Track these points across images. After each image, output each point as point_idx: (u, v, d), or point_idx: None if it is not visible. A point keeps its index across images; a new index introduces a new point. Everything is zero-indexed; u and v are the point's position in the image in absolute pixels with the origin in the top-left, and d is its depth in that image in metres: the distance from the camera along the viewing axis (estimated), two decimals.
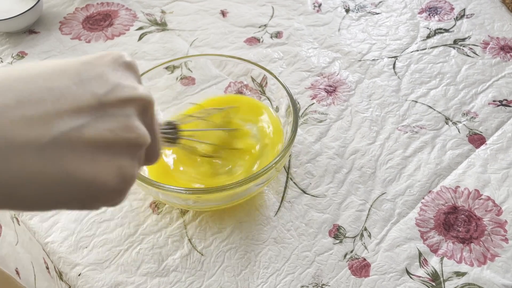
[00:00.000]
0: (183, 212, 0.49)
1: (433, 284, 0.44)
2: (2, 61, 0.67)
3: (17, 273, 0.63)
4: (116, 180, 0.23)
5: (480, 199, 0.50)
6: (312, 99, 0.60)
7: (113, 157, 0.22)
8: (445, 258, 0.45)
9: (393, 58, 0.65)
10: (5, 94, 0.20)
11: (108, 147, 0.22)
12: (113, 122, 0.22)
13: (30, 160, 0.19)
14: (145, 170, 0.48)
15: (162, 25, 0.71)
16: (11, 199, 0.20)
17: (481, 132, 0.56)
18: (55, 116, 0.20)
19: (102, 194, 0.22)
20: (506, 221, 0.48)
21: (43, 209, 0.22)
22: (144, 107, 0.24)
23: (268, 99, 0.54)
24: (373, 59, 0.65)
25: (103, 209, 0.49)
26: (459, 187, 0.51)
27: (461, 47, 0.66)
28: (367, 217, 0.49)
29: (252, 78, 0.54)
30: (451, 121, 0.57)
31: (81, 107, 0.21)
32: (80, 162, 0.21)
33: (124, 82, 0.23)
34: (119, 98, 0.23)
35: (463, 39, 0.67)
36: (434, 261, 0.45)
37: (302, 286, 0.44)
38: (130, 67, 0.25)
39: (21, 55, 0.67)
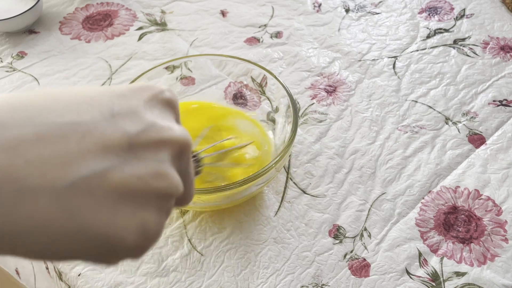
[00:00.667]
0: (183, 212, 0.49)
1: (433, 284, 0.44)
2: (2, 61, 0.67)
3: (17, 273, 0.63)
4: (137, 237, 0.19)
5: (480, 199, 0.50)
6: (312, 99, 0.60)
7: (137, 208, 0.19)
8: (445, 258, 0.45)
9: (393, 58, 0.65)
10: (24, 127, 0.17)
11: (133, 197, 0.19)
12: (143, 168, 0.19)
13: (42, 206, 0.17)
14: None
15: (162, 25, 0.71)
16: (17, 247, 0.17)
17: (481, 132, 0.56)
18: (77, 157, 0.18)
19: (119, 250, 0.19)
20: (506, 221, 0.48)
21: (53, 260, 0.19)
22: (180, 151, 0.21)
23: (268, 99, 0.54)
24: (373, 59, 0.65)
25: None
26: (459, 187, 0.51)
27: (461, 47, 0.66)
28: (367, 217, 0.49)
29: (252, 78, 0.54)
30: (451, 121, 0.57)
31: (108, 146, 0.18)
32: (97, 212, 0.18)
33: (160, 122, 0.21)
34: (152, 140, 0.20)
35: (463, 39, 0.67)
36: (434, 261, 0.45)
37: (302, 286, 0.44)
38: (169, 104, 0.22)
39: (21, 55, 0.67)
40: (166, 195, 0.21)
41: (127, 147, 0.19)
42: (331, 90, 0.61)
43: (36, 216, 0.17)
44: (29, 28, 0.71)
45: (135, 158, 0.19)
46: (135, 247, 0.20)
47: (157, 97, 0.22)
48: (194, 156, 0.34)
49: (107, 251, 0.19)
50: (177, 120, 0.23)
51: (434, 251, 0.46)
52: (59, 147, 0.17)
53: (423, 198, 0.50)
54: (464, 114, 0.58)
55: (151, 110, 0.21)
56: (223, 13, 0.73)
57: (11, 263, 0.63)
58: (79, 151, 0.18)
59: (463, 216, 0.48)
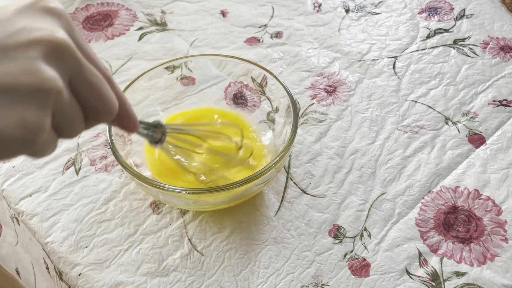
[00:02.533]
0: (183, 212, 0.49)
1: (433, 284, 0.44)
2: None
3: (17, 273, 0.63)
4: (16, 130, 0.21)
5: (480, 199, 0.50)
6: (312, 99, 0.60)
7: (13, 103, 0.20)
8: (445, 258, 0.45)
9: (393, 58, 0.65)
10: None
11: (7, 93, 0.20)
12: (13, 65, 0.20)
13: None
14: (147, 171, 0.49)
15: (162, 25, 0.71)
16: None
17: (481, 132, 0.56)
18: None
19: (3, 143, 0.21)
20: (506, 221, 0.48)
21: None
22: (56, 50, 0.22)
23: (268, 99, 0.54)
24: (373, 59, 0.65)
25: (103, 209, 0.49)
26: (459, 187, 0.51)
27: (461, 47, 0.66)
28: (367, 217, 0.49)
29: (252, 78, 0.54)
30: (451, 121, 0.57)
31: None
32: None
33: (33, 24, 0.22)
34: (22, 41, 0.21)
35: (463, 39, 0.67)
36: (434, 261, 0.45)
37: (302, 286, 0.44)
38: (51, 12, 0.23)
39: None
40: (42, 90, 0.21)
41: None
42: (331, 90, 0.61)
43: None
44: None
45: (5, 58, 0.20)
46: (16, 139, 0.21)
47: (35, 5, 0.23)
48: (158, 125, 0.37)
49: None
50: (65, 28, 0.24)
51: (434, 251, 0.46)
52: None
53: (423, 198, 0.50)
54: (464, 114, 0.58)
55: (26, 16, 0.22)
56: (223, 13, 0.73)
57: (11, 263, 0.63)
58: None
59: (463, 216, 0.48)
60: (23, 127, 0.21)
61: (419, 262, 0.45)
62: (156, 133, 0.36)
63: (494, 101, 0.59)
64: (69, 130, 0.24)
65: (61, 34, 0.22)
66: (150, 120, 0.39)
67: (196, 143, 0.48)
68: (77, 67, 0.23)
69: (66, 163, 0.54)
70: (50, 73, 0.21)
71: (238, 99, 0.57)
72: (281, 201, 0.50)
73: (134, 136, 0.51)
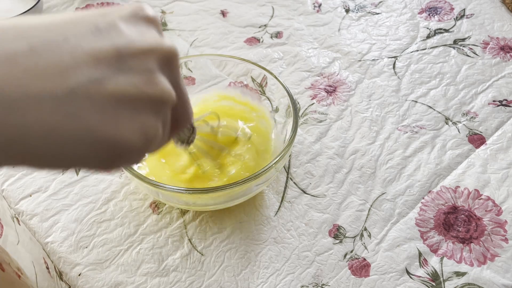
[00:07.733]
0: (183, 212, 0.49)
1: (433, 284, 0.44)
2: None
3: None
4: (140, 139, 0.21)
5: (480, 199, 0.50)
6: (312, 99, 0.60)
7: (136, 114, 0.21)
8: (445, 258, 0.45)
9: (393, 58, 0.65)
10: (16, 41, 0.18)
11: (131, 103, 0.20)
12: (135, 76, 0.20)
13: (46, 113, 0.18)
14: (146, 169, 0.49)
15: (162, 25, 0.71)
16: (27, 153, 0.18)
17: (481, 132, 0.56)
18: (72, 67, 0.19)
19: (124, 153, 0.21)
20: (506, 221, 0.48)
21: (60, 167, 0.20)
22: (168, 59, 0.23)
23: (268, 99, 0.54)
24: (373, 59, 0.65)
25: (103, 209, 0.50)
26: (459, 187, 0.51)
27: (461, 47, 0.66)
28: (367, 217, 0.49)
29: (252, 78, 0.54)
30: (451, 121, 0.57)
31: (99, 58, 0.19)
32: (101, 118, 0.19)
33: (142, 33, 0.22)
34: (139, 49, 0.21)
35: (463, 39, 0.67)
36: (434, 261, 0.45)
37: (302, 286, 0.44)
38: (150, 21, 0.23)
39: None
40: (161, 101, 0.22)
41: (117, 58, 0.20)
42: (331, 90, 0.61)
43: (42, 122, 0.18)
44: None
45: (126, 68, 0.20)
46: (138, 149, 0.21)
47: (137, 14, 0.23)
48: (190, 125, 0.34)
49: (112, 153, 0.20)
50: (161, 35, 0.24)
51: (434, 251, 0.46)
52: (53, 58, 0.18)
53: (423, 198, 0.50)
54: (464, 114, 0.58)
55: (132, 24, 0.22)
56: (223, 13, 0.73)
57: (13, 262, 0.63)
58: (73, 61, 0.19)
59: (463, 216, 0.48)
60: (145, 137, 0.21)
61: (419, 262, 0.45)
62: (183, 132, 0.34)
63: (494, 101, 0.59)
64: (161, 142, 0.24)
65: (169, 42, 0.23)
66: None
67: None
68: (178, 76, 0.24)
69: None
70: (168, 85, 0.22)
71: None
72: (281, 201, 0.50)
73: None
